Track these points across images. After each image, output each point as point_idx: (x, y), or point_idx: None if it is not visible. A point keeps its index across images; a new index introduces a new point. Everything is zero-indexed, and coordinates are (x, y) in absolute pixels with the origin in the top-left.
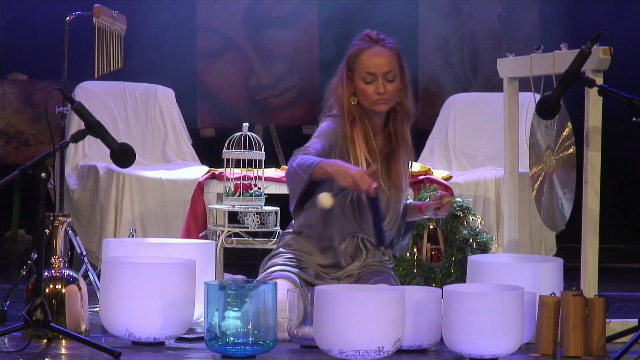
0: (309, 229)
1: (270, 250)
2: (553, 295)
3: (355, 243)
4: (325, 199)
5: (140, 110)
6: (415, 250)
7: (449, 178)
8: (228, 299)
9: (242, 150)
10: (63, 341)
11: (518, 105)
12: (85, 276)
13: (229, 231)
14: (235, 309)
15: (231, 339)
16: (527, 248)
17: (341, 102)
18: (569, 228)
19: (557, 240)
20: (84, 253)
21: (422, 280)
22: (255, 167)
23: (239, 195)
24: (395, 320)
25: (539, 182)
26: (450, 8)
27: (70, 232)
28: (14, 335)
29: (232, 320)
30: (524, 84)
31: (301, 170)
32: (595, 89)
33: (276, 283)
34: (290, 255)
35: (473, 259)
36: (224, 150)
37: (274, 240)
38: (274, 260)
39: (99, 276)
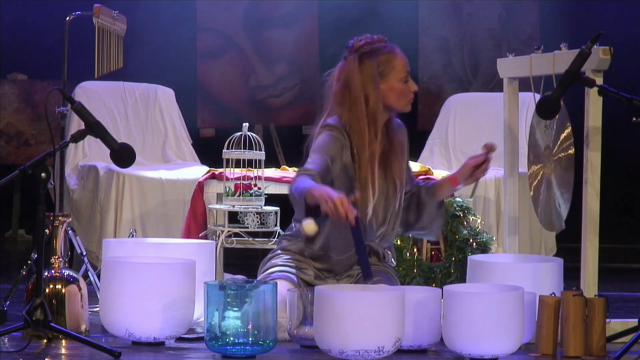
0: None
1: (270, 250)
2: (553, 295)
3: (353, 259)
4: (308, 227)
5: (140, 110)
6: (415, 250)
7: None
8: (228, 299)
9: (242, 150)
10: (63, 341)
11: (518, 105)
12: (85, 276)
13: (229, 231)
14: (235, 309)
15: (231, 339)
16: (527, 248)
17: (375, 109)
18: (569, 228)
19: (557, 240)
20: (84, 253)
21: (422, 280)
22: (255, 167)
23: (239, 195)
24: (395, 320)
25: (536, 181)
26: (450, 8)
27: (70, 232)
28: (14, 335)
29: (232, 320)
30: (524, 84)
31: (298, 195)
32: (595, 89)
33: (276, 283)
34: (289, 257)
35: (473, 259)
36: (224, 150)
37: (274, 240)
38: (273, 261)
39: (99, 276)
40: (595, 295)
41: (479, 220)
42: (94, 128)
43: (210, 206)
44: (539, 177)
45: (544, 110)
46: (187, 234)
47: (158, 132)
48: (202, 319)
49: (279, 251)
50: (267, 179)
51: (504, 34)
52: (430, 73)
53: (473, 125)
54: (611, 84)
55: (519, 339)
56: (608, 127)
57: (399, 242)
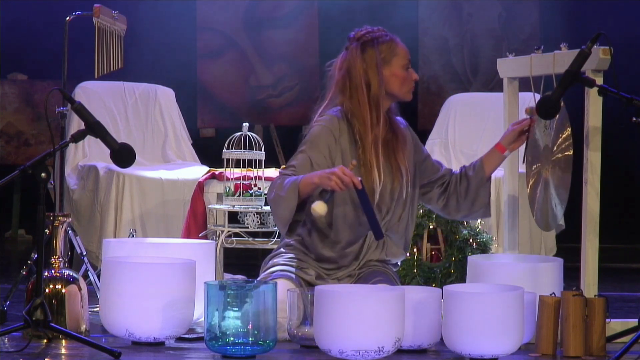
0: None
1: (270, 250)
2: (553, 295)
3: (360, 244)
4: (318, 207)
5: (140, 110)
6: (415, 250)
7: None
8: (228, 299)
9: (242, 150)
10: (63, 341)
11: (518, 105)
12: (85, 276)
13: (229, 231)
14: (235, 309)
15: (231, 339)
16: (527, 248)
17: (377, 94)
18: (569, 228)
19: (557, 240)
20: (84, 253)
21: (422, 280)
22: (255, 167)
23: (239, 195)
24: (395, 320)
25: (533, 181)
26: (450, 8)
27: (70, 232)
28: (14, 335)
29: (232, 320)
30: (524, 84)
31: (284, 193)
32: (595, 89)
33: (276, 283)
34: (291, 255)
35: (473, 259)
36: (224, 150)
37: (274, 240)
38: (274, 260)
39: (99, 276)
40: (595, 295)
41: (479, 220)
42: (94, 128)
43: (210, 206)
44: (536, 177)
45: (544, 110)
46: (187, 234)
47: (158, 132)
48: (202, 319)
49: (282, 249)
50: (267, 179)
51: (504, 34)
52: (430, 73)
53: (473, 125)
54: (611, 84)
55: (519, 339)
56: (608, 127)
57: None
